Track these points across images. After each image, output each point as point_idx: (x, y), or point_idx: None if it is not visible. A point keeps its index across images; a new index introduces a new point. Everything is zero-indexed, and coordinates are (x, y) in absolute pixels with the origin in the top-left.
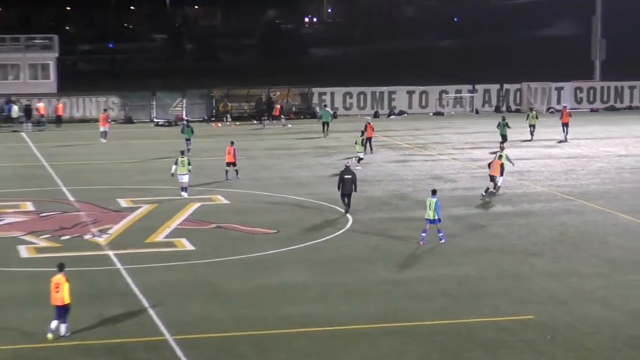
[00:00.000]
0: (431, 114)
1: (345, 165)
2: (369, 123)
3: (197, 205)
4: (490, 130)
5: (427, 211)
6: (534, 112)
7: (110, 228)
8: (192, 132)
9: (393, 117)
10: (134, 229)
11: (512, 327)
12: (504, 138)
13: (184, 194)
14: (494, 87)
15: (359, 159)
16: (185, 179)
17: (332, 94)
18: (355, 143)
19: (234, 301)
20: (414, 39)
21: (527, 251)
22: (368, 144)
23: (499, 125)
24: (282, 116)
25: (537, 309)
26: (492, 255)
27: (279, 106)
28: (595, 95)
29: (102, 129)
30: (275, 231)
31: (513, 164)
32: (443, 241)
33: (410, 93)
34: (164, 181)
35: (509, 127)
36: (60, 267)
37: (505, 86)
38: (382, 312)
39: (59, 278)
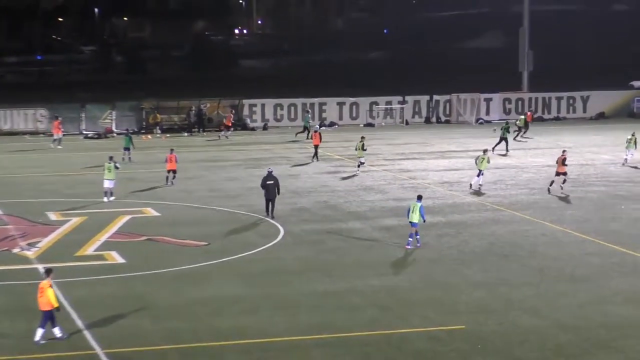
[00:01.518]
0: (362, 125)
1: (268, 171)
2: (317, 132)
3: (127, 217)
4: (420, 142)
5: (410, 214)
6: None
7: (39, 241)
8: (131, 141)
9: (324, 128)
10: (64, 242)
11: (443, 337)
12: (505, 141)
13: (106, 199)
14: (423, 99)
15: (360, 164)
16: (109, 184)
17: (263, 106)
18: (356, 149)
19: (165, 314)
20: (344, 51)
21: (458, 261)
22: (314, 153)
23: (502, 128)
24: (230, 127)
25: (468, 318)
26: (422, 265)
27: (230, 116)
28: (523, 106)
29: (55, 136)
30: (206, 243)
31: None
32: (419, 245)
33: (340, 104)
34: (94, 194)
35: (508, 132)
36: (47, 272)
37: (435, 97)
38: (314, 324)
39: (43, 283)
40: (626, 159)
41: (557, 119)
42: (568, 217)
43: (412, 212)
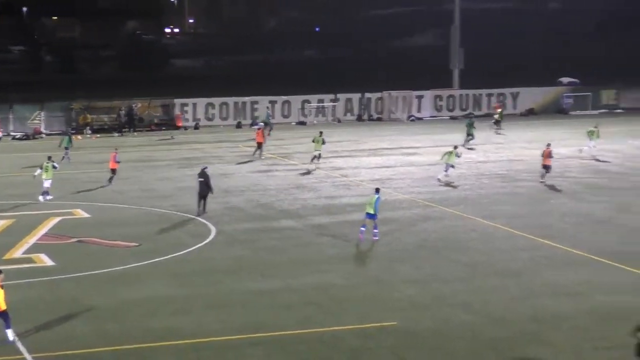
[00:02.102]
0: (294, 123)
1: (202, 169)
2: (260, 129)
3: (57, 219)
4: (352, 139)
5: (367, 206)
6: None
7: None
8: (71, 141)
9: (255, 127)
10: None
11: (376, 334)
12: (471, 137)
13: (42, 198)
14: (355, 96)
15: (315, 157)
16: (48, 183)
17: (195, 105)
18: (313, 141)
19: (97, 316)
20: (276, 50)
21: (390, 258)
22: (259, 150)
23: (467, 124)
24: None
25: (400, 315)
26: (355, 262)
27: (180, 114)
28: (454, 103)
29: None
30: (137, 244)
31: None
32: (377, 238)
33: (272, 103)
34: (22, 196)
35: (474, 128)
36: None
37: (367, 95)
38: (248, 323)
39: None
40: (581, 150)
41: (487, 115)
42: (498, 213)
43: (369, 204)
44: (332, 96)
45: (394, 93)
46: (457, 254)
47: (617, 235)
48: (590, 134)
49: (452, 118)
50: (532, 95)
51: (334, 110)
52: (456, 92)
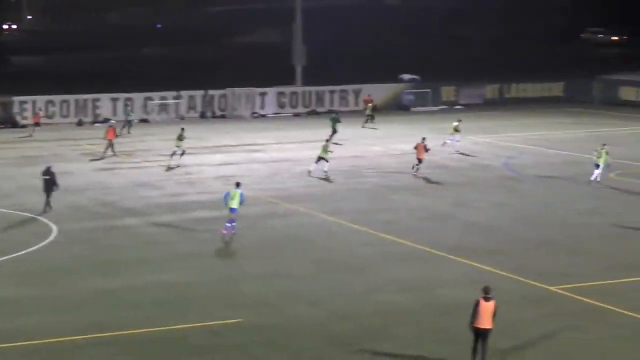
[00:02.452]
0: (136, 120)
1: (46, 167)
2: (111, 127)
3: None
4: (196, 137)
5: (229, 201)
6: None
7: None
8: None
9: (98, 125)
10: None
11: (223, 331)
12: (334, 132)
13: None
14: (198, 93)
15: (173, 154)
16: None
17: (34, 102)
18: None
19: None
20: (117, 47)
21: (236, 255)
22: (111, 148)
23: (330, 119)
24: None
25: (247, 311)
26: (201, 260)
27: (39, 113)
28: (297, 100)
29: None
30: None
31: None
32: (233, 232)
33: (114, 100)
34: None
35: (339, 122)
36: None
37: (210, 92)
38: (92, 323)
39: None
40: (445, 143)
41: (330, 112)
42: (343, 209)
43: (232, 198)
44: (174, 93)
45: (237, 90)
46: (303, 250)
47: (457, 230)
48: (454, 129)
49: (296, 115)
50: (374, 92)
51: (177, 108)
52: (299, 89)
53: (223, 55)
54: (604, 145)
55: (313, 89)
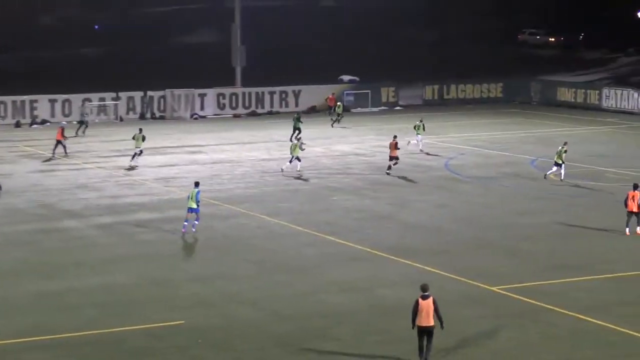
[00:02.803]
0: (75, 122)
1: None
2: (62, 127)
3: None
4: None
5: (189, 201)
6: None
7: None
8: None
9: (35, 126)
10: None
11: (163, 334)
12: (299, 131)
13: None
14: (137, 95)
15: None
16: None
17: None
18: (134, 138)
19: None
20: (54, 47)
21: (176, 257)
22: (59, 146)
23: (294, 118)
24: None
25: (188, 313)
26: (141, 262)
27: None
28: (237, 101)
29: None
30: None
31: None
32: (194, 230)
33: (52, 101)
34: None
35: (301, 122)
36: None
37: (149, 93)
38: (30, 326)
39: None
40: (410, 142)
41: (270, 113)
42: (283, 210)
43: (191, 198)
44: (113, 94)
45: (176, 91)
46: (244, 251)
47: (397, 231)
48: (417, 128)
49: (236, 116)
50: (314, 93)
51: (116, 109)
52: (239, 90)
53: (162, 56)
54: (565, 144)
55: (253, 90)
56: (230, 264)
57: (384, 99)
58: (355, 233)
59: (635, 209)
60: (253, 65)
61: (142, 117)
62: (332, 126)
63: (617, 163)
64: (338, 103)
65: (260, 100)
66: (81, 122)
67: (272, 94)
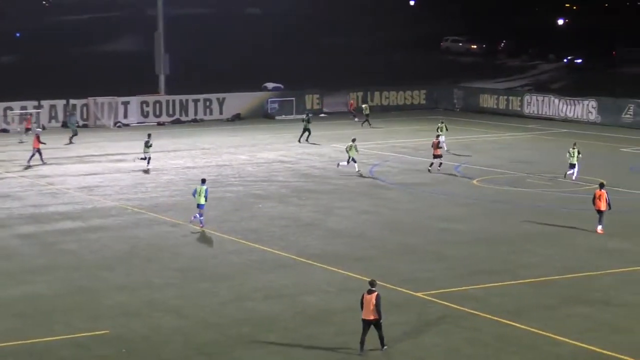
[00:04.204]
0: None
1: None
2: (37, 135)
3: None
4: (57, 147)
5: (197, 197)
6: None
7: None
8: None
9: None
10: None
11: (87, 343)
12: (308, 132)
13: None
14: (60, 103)
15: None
16: None
17: None
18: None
19: None
20: None
21: (100, 266)
22: (38, 155)
23: (303, 120)
24: None
25: (112, 323)
26: (64, 271)
27: (30, 116)
28: (161, 109)
29: None
30: None
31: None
32: (202, 225)
33: None
34: None
35: (309, 123)
36: None
37: (72, 101)
38: None
39: None
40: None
41: (194, 120)
42: (208, 218)
43: (199, 194)
44: (35, 103)
45: (99, 99)
46: (168, 259)
47: (322, 237)
48: (439, 130)
49: (160, 124)
50: (238, 101)
51: (38, 117)
52: (163, 98)
53: (84, 64)
54: (575, 144)
55: (177, 97)
56: (155, 273)
57: (308, 106)
58: (280, 240)
59: (603, 208)
60: (177, 73)
61: (65, 125)
62: (362, 126)
63: (538, 169)
64: (364, 105)
65: (184, 108)
66: (73, 130)
67: (196, 101)
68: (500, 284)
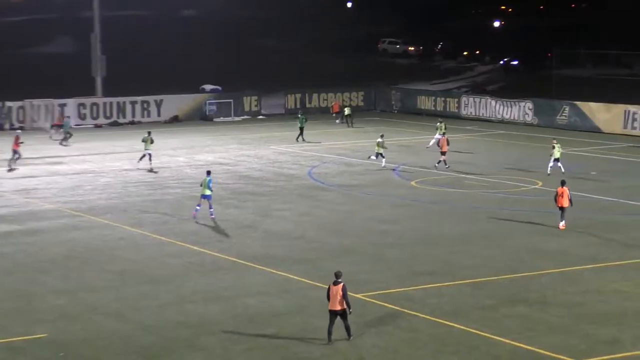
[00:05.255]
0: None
1: None
2: (17, 135)
3: None
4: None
5: (202, 188)
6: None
7: None
8: None
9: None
10: None
11: (24, 347)
12: (301, 130)
13: None
14: None
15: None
16: None
17: None
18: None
19: None
20: None
21: (36, 269)
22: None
23: (299, 119)
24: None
25: (50, 327)
26: (0, 275)
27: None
28: (98, 111)
29: None
30: None
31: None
32: (213, 216)
33: None
34: None
35: (306, 121)
36: None
37: (8, 104)
38: None
39: None
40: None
41: (132, 123)
42: (147, 220)
43: (204, 186)
44: None
45: (35, 101)
46: (107, 262)
47: (261, 239)
48: (438, 129)
49: (97, 126)
50: (176, 103)
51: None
52: (100, 100)
53: (18, 65)
54: (554, 139)
55: (114, 99)
56: (93, 276)
57: (246, 108)
58: (220, 242)
59: (565, 204)
60: (114, 75)
61: (1, 127)
62: (349, 127)
63: (475, 170)
64: (345, 108)
65: (121, 110)
66: (65, 132)
67: (133, 103)
68: (439, 284)
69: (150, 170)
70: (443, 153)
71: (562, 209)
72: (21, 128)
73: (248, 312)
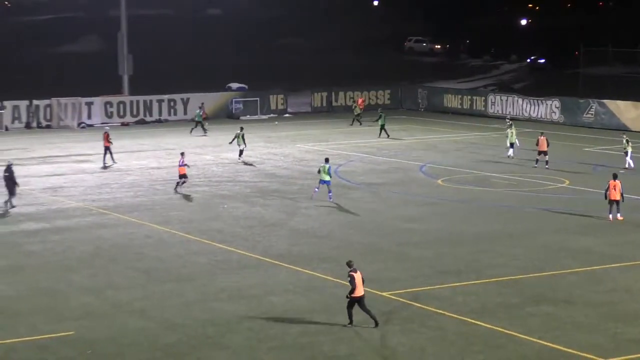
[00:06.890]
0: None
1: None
2: (106, 132)
3: None
4: (21, 147)
5: (321, 174)
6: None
7: None
8: None
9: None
10: None
11: (52, 345)
12: (382, 128)
13: None
14: (23, 103)
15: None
16: None
17: None
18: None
19: None
20: None
21: (64, 267)
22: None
23: (378, 119)
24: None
25: (77, 324)
26: (27, 273)
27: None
28: (125, 110)
29: None
30: None
31: None
32: (331, 200)
33: None
34: None
35: (385, 120)
36: None
37: (35, 102)
38: None
39: None
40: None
41: (158, 121)
42: (173, 218)
43: (324, 172)
44: None
45: (62, 100)
46: (133, 260)
47: (287, 238)
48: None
49: (124, 124)
50: (203, 101)
51: (1, 118)
52: (127, 99)
53: (47, 64)
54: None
55: (141, 98)
56: (120, 274)
57: (273, 107)
58: (246, 241)
59: (617, 197)
60: (140, 74)
61: (28, 126)
62: (360, 125)
63: (503, 168)
64: (354, 105)
65: (148, 108)
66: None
67: (160, 102)
68: (465, 283)
69: (246, 164)
70: (542, 152)
71: (613, 202)
72: (48, 126)
73: (274, 310)
